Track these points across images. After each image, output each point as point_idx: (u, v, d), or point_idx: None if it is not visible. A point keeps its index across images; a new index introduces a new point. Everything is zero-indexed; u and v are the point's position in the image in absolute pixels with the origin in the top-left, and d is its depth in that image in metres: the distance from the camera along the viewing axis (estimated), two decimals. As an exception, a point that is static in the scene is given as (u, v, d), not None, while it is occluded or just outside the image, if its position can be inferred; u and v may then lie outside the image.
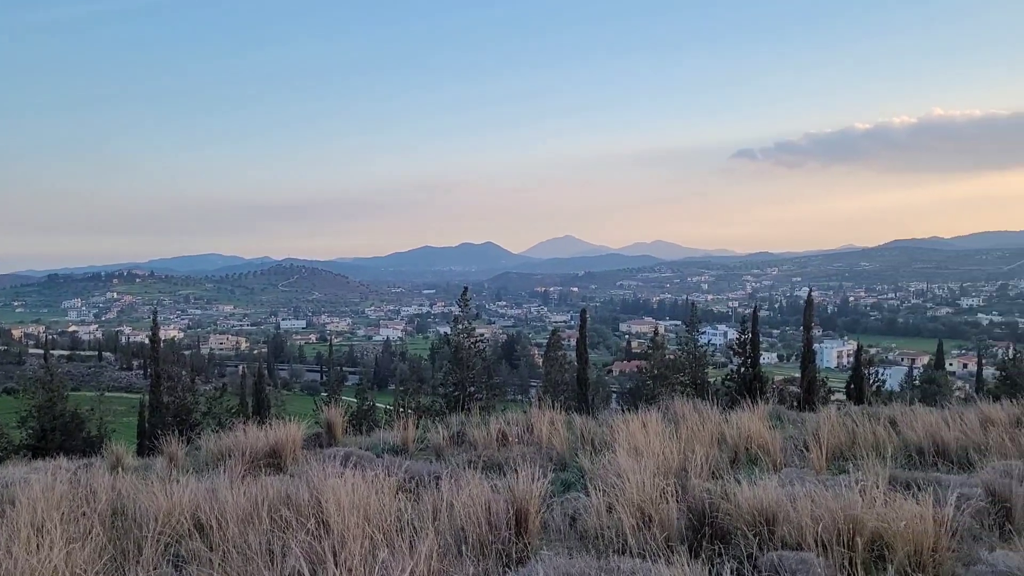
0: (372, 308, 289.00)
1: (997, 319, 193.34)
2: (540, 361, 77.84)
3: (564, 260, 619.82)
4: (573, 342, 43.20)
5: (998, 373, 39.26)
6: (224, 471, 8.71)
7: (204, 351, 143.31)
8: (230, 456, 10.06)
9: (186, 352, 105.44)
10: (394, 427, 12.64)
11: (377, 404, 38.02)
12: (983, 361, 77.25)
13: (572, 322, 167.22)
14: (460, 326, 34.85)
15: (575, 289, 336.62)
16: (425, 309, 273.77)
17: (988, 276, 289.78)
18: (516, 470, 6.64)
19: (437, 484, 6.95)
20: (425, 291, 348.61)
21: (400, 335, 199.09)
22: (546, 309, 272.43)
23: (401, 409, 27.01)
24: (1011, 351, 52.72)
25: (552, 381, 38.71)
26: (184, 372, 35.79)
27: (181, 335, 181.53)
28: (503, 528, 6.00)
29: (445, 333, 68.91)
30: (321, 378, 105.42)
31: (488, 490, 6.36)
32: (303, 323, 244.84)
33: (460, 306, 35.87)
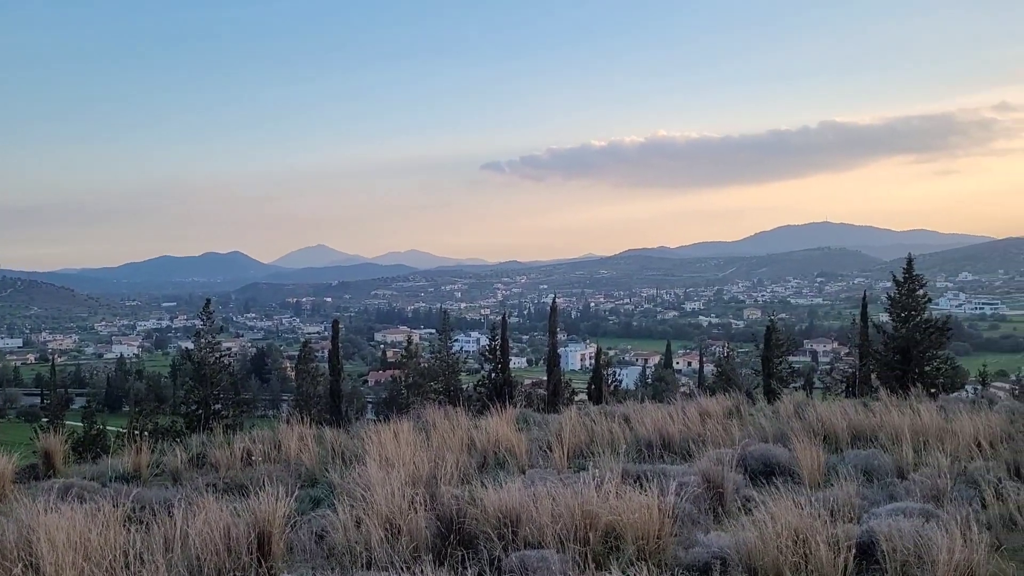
0: (103, 323, 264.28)
1: (715, 321, 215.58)
2: (293, 374, 75.41)
3: (317, 270, 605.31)
4: (327, 353, 42.25)
5: (716, 370, 43.70)
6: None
7: None
8: (-82, 498, 8.76)
9: None
10: (126, 452, 11.61)
11: (109, 428, 34.85)
12: (704, 359, 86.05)
13: (326, 333, 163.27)
14: (204, 340, 33.10)
15: (329, 299, 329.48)
16: (165, 323, 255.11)
17: (707, 282, 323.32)
18: (261, 490, 6.36)
19: (171, 512, 6.46)
20: (165, 304, 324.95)
21: (136, 352, 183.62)
22: (299, 320, 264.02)
23: (136, 432, 24.97)
24: (725, 350, 58.99)
25: (304, 394, 37.72)
26: None
27: None
28: (244, 553, 5.72)
29: (187, 348, 64.64)
30: (42, 402, 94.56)
31: (228, 514, 6.04)
32: (19, 342, 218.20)
33: (203, 319, 34.05)
